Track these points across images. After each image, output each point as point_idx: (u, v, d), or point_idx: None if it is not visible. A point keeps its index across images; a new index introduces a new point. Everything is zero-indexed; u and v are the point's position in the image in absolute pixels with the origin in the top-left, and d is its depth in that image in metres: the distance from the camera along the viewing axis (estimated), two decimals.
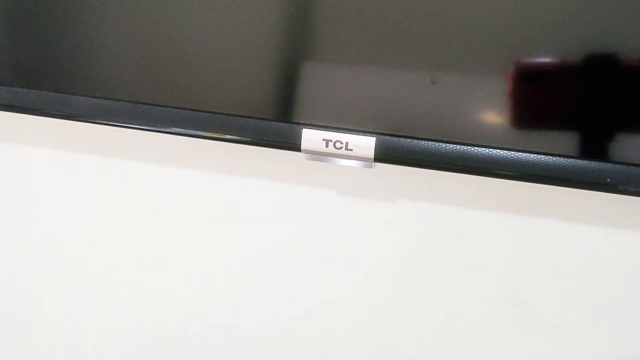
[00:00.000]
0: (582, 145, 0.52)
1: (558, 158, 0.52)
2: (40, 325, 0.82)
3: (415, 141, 0.55)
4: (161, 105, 0.62)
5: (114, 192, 0.75)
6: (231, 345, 0.75)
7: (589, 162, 0.51)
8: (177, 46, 0.61)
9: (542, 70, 0.52)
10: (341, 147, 0.57)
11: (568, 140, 0.52)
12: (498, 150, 0.53)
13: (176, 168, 0.72)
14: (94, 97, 0.64)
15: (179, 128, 0.62)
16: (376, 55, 0.56)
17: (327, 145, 0.58)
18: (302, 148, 0.58)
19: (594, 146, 0.52)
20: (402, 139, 0.56)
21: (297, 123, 0.59)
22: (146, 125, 0.63)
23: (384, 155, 0.56)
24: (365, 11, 0.55)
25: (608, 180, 0.51)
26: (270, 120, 0.59)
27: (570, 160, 0.52)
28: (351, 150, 0.57)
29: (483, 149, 0.54)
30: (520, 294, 0.64)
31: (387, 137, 0.56)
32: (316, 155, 0.58)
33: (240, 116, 0.60)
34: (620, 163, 0.51)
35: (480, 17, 0.53)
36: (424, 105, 0.55)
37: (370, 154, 0.56)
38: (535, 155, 0.53)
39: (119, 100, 0.63)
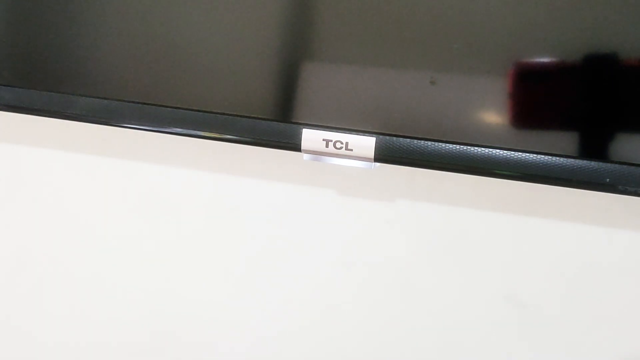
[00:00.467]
0: (581, 145, 0.52)
1: (558, 158, 0.52)
2: (40, 325, 0.82)
3: (415, 141, 0.55)
4: (161, 105, 0.62)
5: (114, 192, 0.75)
6: (230, 344, 0.75)
7: (588, 162, 0.51)
8: (177, 46, 0.61)
9: (541, 70, 0.52)
10: (341, 147, 0.57)
11: (568, 140, 0.52)
12: (498, 150, 0.53)
13: (176, 168, 0.72)
14: (94, 97, 0.64)
15: (179, 128, 0.62)
16: (376, 56, 0.56)
17: (327, 145, 0.57)
18: (302, 148, 0.58)
19: (594, 146, 0.52)
20: (402, 139, 0.56)
21: (297, 123, 0.58)
22: (146, 125, 0.63)
23: (384, 155, 0.56)
24: (365, 11, 0.55)
25: (607, 180, 0.51)
26: (270, 120, 0.59)
27: (570, 160, 0.52)
28: (351, 150, 0.57)
29: (483, 149, 0.54)
30: (520, 294, 0.64)
31: (387, 137, 0.56)
32: (316, 155, 0.58)
33: (240, 116, 0.60)
34: (619, 163, 0.51)
35: (479, 17, 0.53)
36: (423, 105, 0.55)
37: (370, 154, 0.56)
38: (535, 155, 0.53)
39: (119, 100, 0.63)
